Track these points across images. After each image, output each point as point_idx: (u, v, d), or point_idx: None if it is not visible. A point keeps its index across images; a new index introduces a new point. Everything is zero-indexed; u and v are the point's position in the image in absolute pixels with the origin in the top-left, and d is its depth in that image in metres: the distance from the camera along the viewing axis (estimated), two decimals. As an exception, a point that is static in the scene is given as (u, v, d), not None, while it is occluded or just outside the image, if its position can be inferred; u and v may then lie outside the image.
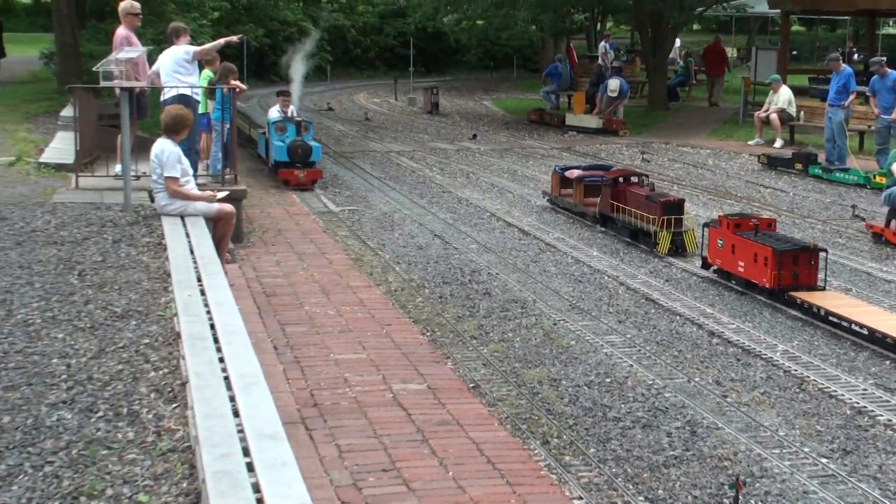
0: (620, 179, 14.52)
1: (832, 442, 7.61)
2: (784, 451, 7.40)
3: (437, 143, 24.58)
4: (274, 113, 18.45)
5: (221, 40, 12.57)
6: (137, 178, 11.35)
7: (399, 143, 24.76)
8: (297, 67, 22.63)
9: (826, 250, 11.37)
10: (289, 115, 18.17)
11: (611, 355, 9.33)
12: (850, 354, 9.51)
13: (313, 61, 23.92)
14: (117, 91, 11.21)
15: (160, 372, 5.70)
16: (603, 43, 33.91)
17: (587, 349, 9.50)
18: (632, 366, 9.04)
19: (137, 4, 12.74)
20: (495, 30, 41.45)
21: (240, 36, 13.67)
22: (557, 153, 22.94)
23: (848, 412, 8.16)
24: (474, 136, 25.88)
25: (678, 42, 35.45)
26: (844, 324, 9.99)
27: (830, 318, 10.19)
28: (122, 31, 12.37)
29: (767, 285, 10.99)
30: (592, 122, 26.56)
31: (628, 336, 9.90)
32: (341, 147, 23.46)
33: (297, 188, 17.21)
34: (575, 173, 15.82)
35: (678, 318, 10.54)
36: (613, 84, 27.07)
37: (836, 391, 8.54)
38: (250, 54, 35.81)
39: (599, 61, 32.36)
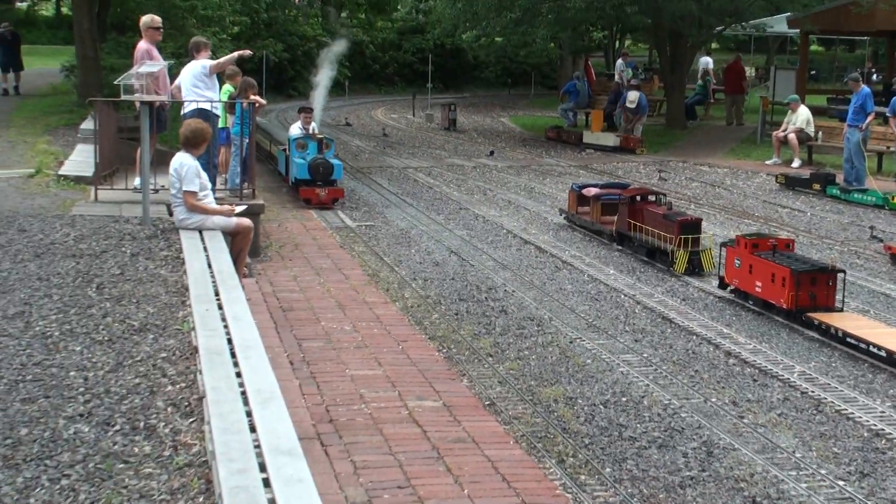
0: (638, 198, 14.50)
1: (849, 464, 7.55)
2: (801, 473, 7.36)
3: (455, 160, 24.62)
4: (295, 130, 18.31)
5: (235, 54, 12.64)
6: (156, 191, 11.41)
7: (416, 159, 24.80)
8: (320, 83, 22.66)
9: (844, 271, 11.31)
10: (310, 132, 18.04)
11: (627, 374, 9.30)
12: (867, 376, 9.45)
13: (333, 74, 23.94)
14: (137, 105, 11.27)
15: (177, 386, 5.71)
16: (620, 61, 33.94)
17: (603, 368, 9.48)
18: (648, 385, 9.01)
19: (158, 19, 12.84)
20: (514, 47, 41.58)
21: (250, 51, 13.71)
22: (574, 171, 22.94)
23: (865, 434, 8.10)
24: (491, 152, 25.92)
25: (710, 62, 35.40)
26: (862, 345, 9.93)
27: (848, 339, 10.13)
28: (143, 44, 12.45)
29: (785, 306, 10.95)
30: (610, 139, 26.56)
31: (644, 355, 9.87)
32: (359, 162, 23.52)
33: (319, 207, 17.01)
34: (592, 191, 15.81)
35: (695, 337, 10.51)
36: (633, 95, 27.07)
37: (853, 413, 8.48)
38: (269, 69, 35.98)
39: (616, 79, 32.40)
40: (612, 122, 28.92)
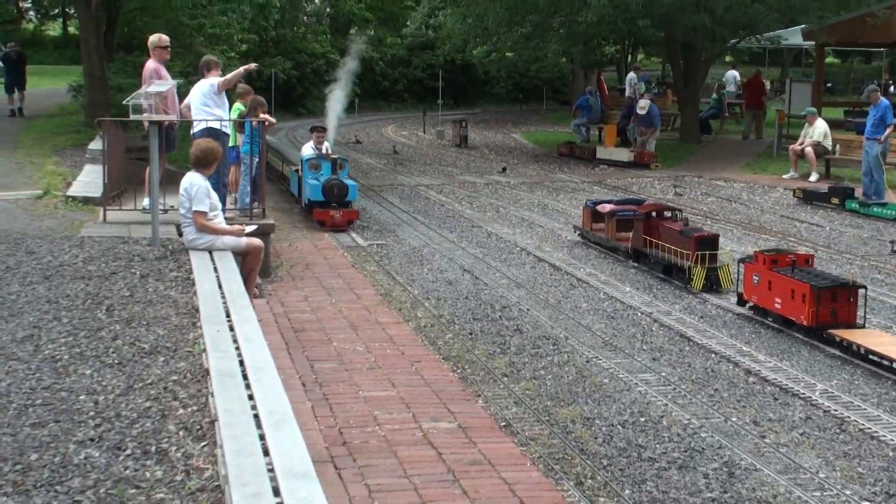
0: (653, 214, 14.48)
1: (874, 485, 7.49)
2: (825, 493, 7.30)
3: (467, 177, 24.64)
4: (307, 150, 18.07)
5: (241, 69, 12.67)
6: (165, 211, 11.44)
7: (428, 176, 24.84)
8: (334, 101, 22.60)
9: (865, 287, 11.24)
10: (323, 151, 17.90)
11: (645, 394, 9.25)
12: (891, 394, 9.38)
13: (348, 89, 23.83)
14: (146, 124, 11.32)
15: (189, 409, 5.70)
16: (632, 74, 33.91)
17: (621, 387, 9.44)
18: (667, 405, 8.97)
19: (166, 38, 12.91)
20: (525, 62, 41.62)
21: (257, 64, 13.76)
22: (588, 187, 22.94)
23: (890, 454, 8.03)
24: (504, 169, 25.95)
25: (737, 75, 35.32)
26: (885, 362, 9.87)
27: (870, 356, 10.06)
28: (151, 64, 12.52)
29: (805, 323, 10.89)
30: (623, 155, 26.58)
31: (663, 374, 9.83)
32: (369, 181, 23.56)
33: (333, 229, 16.78)
34: (607, 207, 15.80)
35: (714, 355, 10.46)
36: (643, 102, 27.07)
37: (877, 432, 8.42)
38: (278, 86, 36.15)
39: (628, 93, 32.37)
40: (626, 136, 28.93)
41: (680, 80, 30.16)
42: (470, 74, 49.14)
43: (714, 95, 33.43)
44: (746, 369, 10.01)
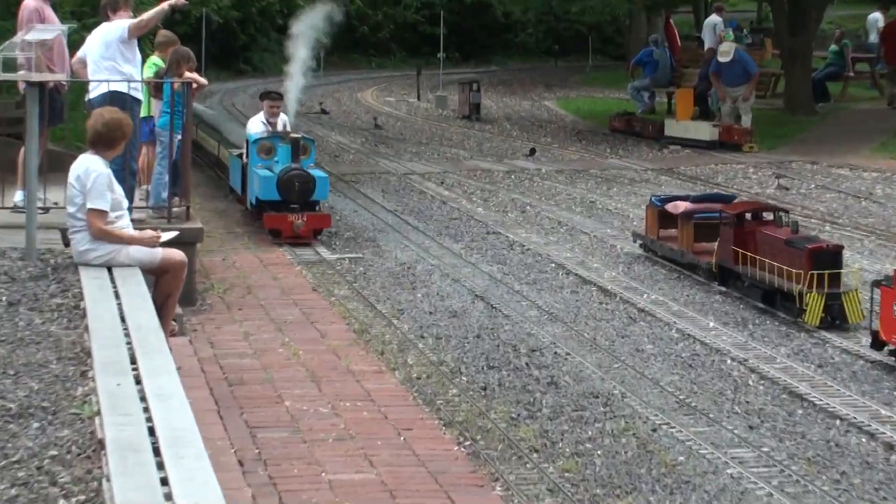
0: (747, 216, 14.47)
1: None
2: None
3: (479, 162, 24.73)
4: (256, 125, 17.85)
5: (164, 5, 12.60)
6: (46, 210, 11.39)
7: (423, 161, 24.92)
8: (295, 56, 22.49)
9: None
10: (279, 128, 17.67)
11: (739, 478, 9.18)
12: None
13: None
14: (22, 86, 11.27)
15: (73, 499, 5.61)
16: (713, 17, 33.86)
17: (704, 468, 9.37)
18: (771, 494, 8.90)
19: (53, -35, 12.88)
20: (562, 0, 41.74)
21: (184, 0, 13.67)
22: (653, 177, 23.01)
23: None
24: (532, 151, 26.05)
25: (881, 18, 34.98)
26: None
27: None
28: (31, 2, 12.49)
29: (970, 375, 10.82)
30: (704, 131, 26.60)
31: (764, 449, 9.76)
32: (339, 167, 23.61)
33: (292, 241, 16.56)
34: (680, 207, 15.78)
35: (839, 422, 10.39)
36: (726, 46, 26.95)
37: None
38: (211, 34, 36.27)
39: (708, 44, 32.30)
40: (707, 105, 28.94)
41: (783, 26, 30.15)
42: (484, 18, 49.46)
43: (833, 47, 33.45)
44: (887, 443, 9.92)
